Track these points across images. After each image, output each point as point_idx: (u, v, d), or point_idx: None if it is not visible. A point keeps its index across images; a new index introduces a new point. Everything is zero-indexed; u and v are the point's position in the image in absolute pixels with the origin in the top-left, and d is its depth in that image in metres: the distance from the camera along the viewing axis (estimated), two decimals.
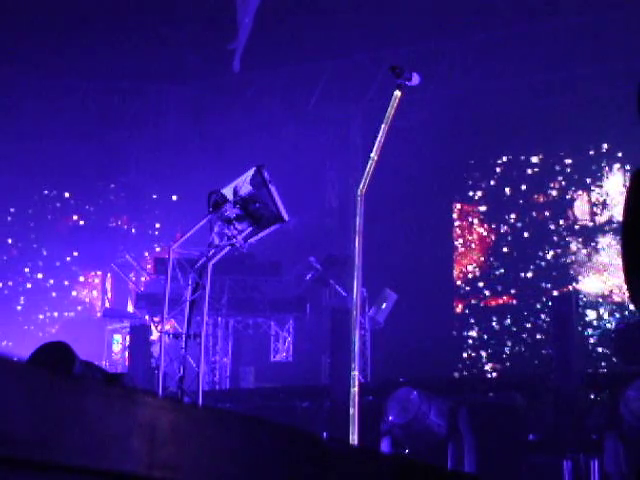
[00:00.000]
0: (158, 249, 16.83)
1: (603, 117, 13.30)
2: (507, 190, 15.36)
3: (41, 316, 17.05)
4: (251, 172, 8.11)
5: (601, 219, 14.46)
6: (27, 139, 16.53)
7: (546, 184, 15.05)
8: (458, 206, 15.69)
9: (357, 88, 15.52)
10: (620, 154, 14.35)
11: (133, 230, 17.40)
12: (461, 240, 15.64)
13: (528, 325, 14.80)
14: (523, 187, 15.24)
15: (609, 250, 14.15)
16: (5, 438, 0.84)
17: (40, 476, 0.89)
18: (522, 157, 15.31)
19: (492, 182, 15.50)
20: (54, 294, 17.35)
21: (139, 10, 14.32)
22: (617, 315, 13.77)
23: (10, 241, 17.66)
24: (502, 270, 15.06)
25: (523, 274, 14.89)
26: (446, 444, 8.15)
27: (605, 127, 13.35)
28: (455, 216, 15.71)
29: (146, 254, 17.25)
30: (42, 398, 0.88)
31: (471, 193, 15.67)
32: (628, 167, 14.29)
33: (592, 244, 14.45)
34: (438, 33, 14.33)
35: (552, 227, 14.91)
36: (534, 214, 15.08)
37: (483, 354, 14.85)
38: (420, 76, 5.82)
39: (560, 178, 14.96)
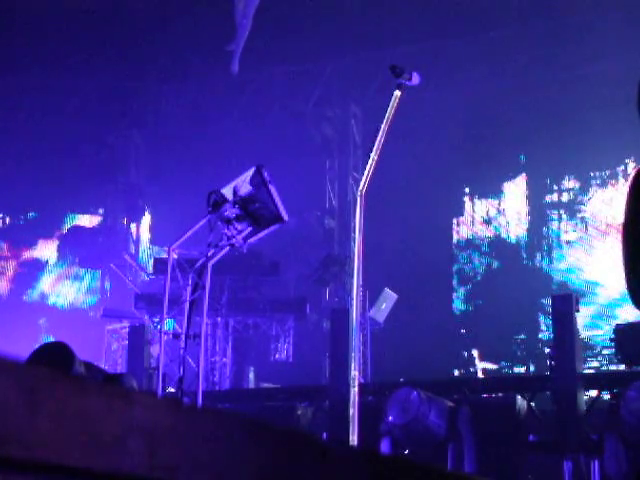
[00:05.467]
0: (157, 249, 16.82)
1: (605, 116, 13.27)
2: (508, 189, 15.36)
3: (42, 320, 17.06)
4: (251, 172, 8.11)
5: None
6: (27, 139, 16.54)
7: (549, 184, 15.05)
8: (465, 206, 15.68)
9: (357, 88, 15.52)
10: (631, 154, 14.30)
11: (132, 230, 17.40)
12: (463, 240, 15.65)
13: (529, 325, 14.80)
14: (524, 187, 15.24)
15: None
16: (5, 438, 0.84)
17: (40, 476, 0.89)
18: (523, 157, 15.31)
19: (493, 181, 15.50)
20: (53, 295, 17.36)
21: (139, 10, 14.33)
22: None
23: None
24: (503, 270, 15.05)
25: (525, 274, 14.89)
26: (446, 445, 8.15)
27: (609, 126, 13.30)
28: (457, 216, 15.70)
29: (145, 254, 17.26)
30: (42, 398, 0.87)
31: (471, 192, 15.68)
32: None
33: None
34: (438, 33, 14.33)
35: (557, 227, 14.91)
36: (538, 214, 15.08)
37: (483, 354, 14.84)
38: (420, 76, 5.82)
39: (564, 178, 14.95)
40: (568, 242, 14.80)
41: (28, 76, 15.71)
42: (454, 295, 15.46)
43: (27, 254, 17.62)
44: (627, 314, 13.21)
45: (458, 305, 15.36)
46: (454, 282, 15.57)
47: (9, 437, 0.83)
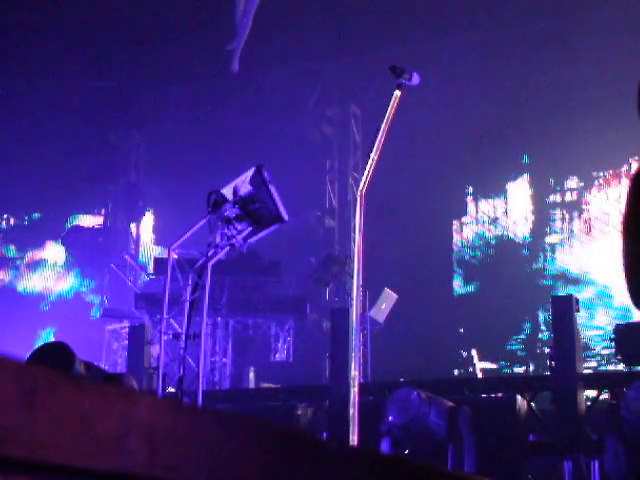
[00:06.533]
0: (157, 249, 16.82)
1: (607, 116, 13.24)
2: (512, 190, 15.35)
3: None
4: (251, 172, 8.11)
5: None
6: (27, 140, 16.54)
7: (552, 184, 15.04)
8: (468, 206, 15.66)
9: (357, 88, 15.52)
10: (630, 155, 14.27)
11: (132, 230, 17.40)
12: (466, 240, 15.64)
13: (529, 325, 14.80)
14: (528, 187, 15.23)
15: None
16: (5, 438, 0.84)
17: (40, 476, 0.88)
18: (527, 157, 15.29)
19: (496, 182, 15.48)
20: (54, 294, 17.37)
21: (139, 10, 14.33)
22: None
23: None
24: (505, 270, 15.02)
25: (527, 274, 14.88)
26: (446, 444, 8.14)
27: (612, 126, 13.25)
28: (460, 217, 15.68)
29: (146, 254, 17.26)
30: (42, 398, 0.87)
31: (474, 193, 15.67)
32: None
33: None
34: (438, 33, 14.33)
35: (560, 227, 14.90)
36: (541, 214, 15.07)
37: (483, 354, 14.83)
38: (420, 76, 5.82)
39: (567, 177, 14.94)
40: (571, 242, 14.79)
41: (29, 77, 15.71)
42: (455, 295, 15.45)
43: (34, 254, 17.66)
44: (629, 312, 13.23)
45: (458, 305, 15.34)
46: (455, 282, 15.56)
47: (9, 437, 0.83)
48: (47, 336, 16.60)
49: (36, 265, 17.59)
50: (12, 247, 17.86)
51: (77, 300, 17.24)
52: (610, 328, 11.04)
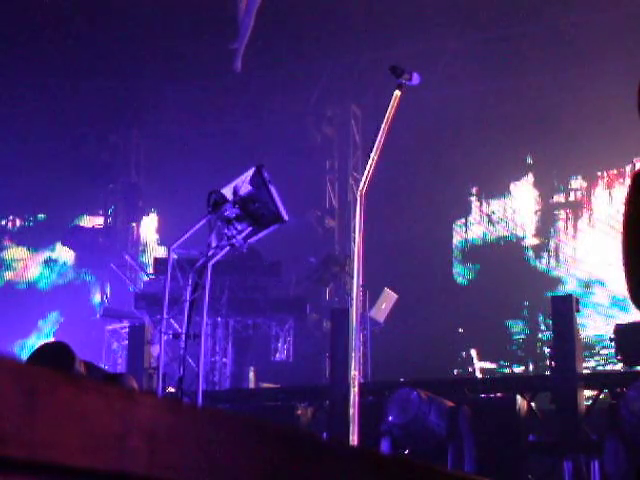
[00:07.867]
0: (161, 249, 16.83)
1: (611, 116, 13.23)
2: (515, 190, 15.34)
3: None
4: (251, 172, 8.11)
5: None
6: (26, 140, 16.53)
7: (556, 184, 15.04)
8: (471, 206, 15.66)
9: (357, 88, 15.52)
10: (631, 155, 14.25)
11: (133, 230, 17.40)
12: (469, 241, 15.64)
13: (529, 324, 14.80)
14: (531, 187, 15.23)
15: None
16: (5, 438, 0.83)
17: (40, 476, 0.88)
18: (530, 157, 15.29)
19: (499, 182, 15.48)
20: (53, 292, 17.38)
21: (139, 10, 14.33)
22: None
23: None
24: (508, 270, 15.01)
25: (531, 274, 14.87)
26: (446, 444, 8.14)
27: (615, 126, 13.23)
28: (463, 217, 15.68)
29: (146, 254, 17.26)
30: (42, 398, 0.87)
31: (478, 193, 15.66)
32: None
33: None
34: (440, 32, 14.32)
35: (564, 227, 14.90)
36: (545, 214, 15.07)
37: (482, 354, 14.83)
38: (420, 76, 5.81)
39: (571, 177, 14.93)
40: (575, 242, 14.78)
41: (28, 76, 15.70)
42: (455, 295, 15.43)
43: (39, 254, 17.69)
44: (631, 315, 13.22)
45: (459, 305, 15.34)
46: (456, 282, 15.56)
47: (9, 437, 0.83)
48: (51, 324, 16.65)
49: (40, 264, 17.62)
50: (18, 247, 17.89)
51: (78, 297, 17.23)
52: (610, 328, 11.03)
